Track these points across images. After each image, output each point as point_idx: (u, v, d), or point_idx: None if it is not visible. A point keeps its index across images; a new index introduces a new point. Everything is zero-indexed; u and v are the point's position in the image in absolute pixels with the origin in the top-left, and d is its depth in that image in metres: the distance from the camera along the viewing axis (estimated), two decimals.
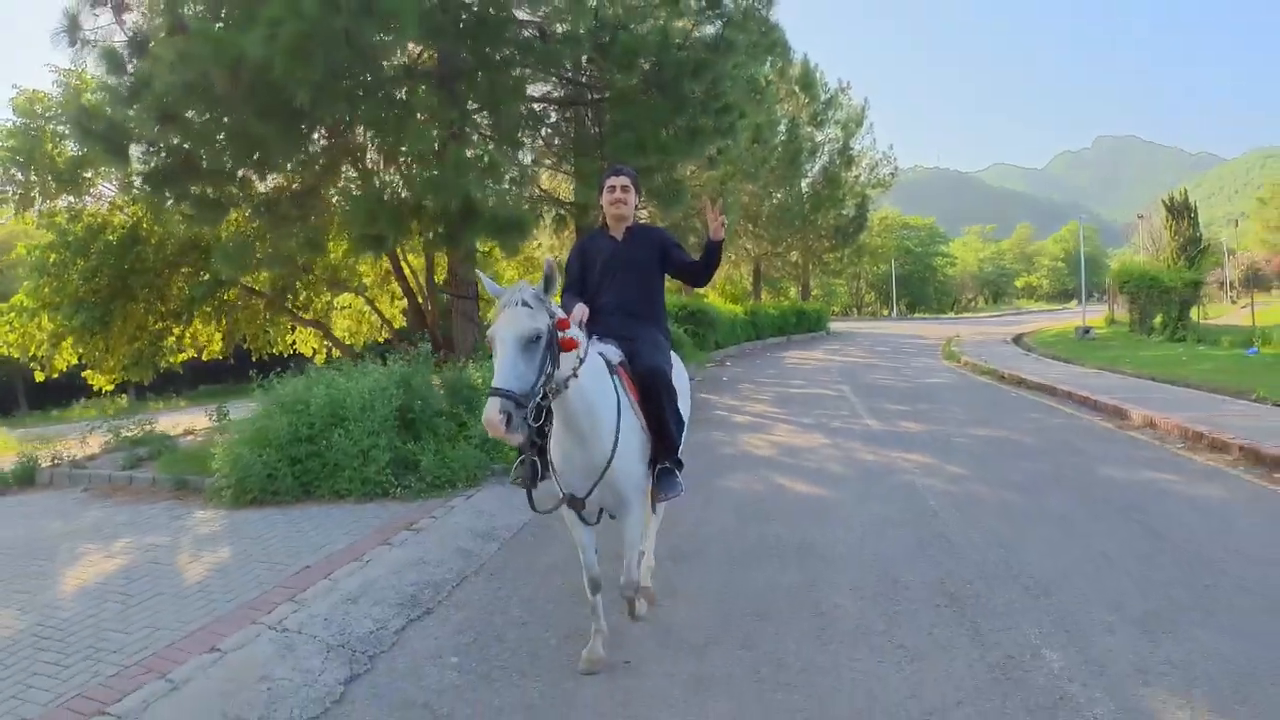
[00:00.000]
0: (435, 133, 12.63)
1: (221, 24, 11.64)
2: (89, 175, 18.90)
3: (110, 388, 20.36)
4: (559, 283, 4.33)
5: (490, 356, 4.57)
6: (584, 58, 14.36)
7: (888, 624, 5.52)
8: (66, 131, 18.83)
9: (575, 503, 4.85)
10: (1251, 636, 5.01)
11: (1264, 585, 5.86)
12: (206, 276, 18.02)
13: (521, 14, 12.81)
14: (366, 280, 22.36)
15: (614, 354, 5.03)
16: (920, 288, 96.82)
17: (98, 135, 12.59)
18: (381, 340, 24.05)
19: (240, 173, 13.90)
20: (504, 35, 12.02)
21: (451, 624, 5.94)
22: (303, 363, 22.67)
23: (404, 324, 20.62)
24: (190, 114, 12.46)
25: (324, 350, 24.46)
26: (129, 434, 13.29)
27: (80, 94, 17.58)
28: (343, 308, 24.51)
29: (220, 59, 10.45)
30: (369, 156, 15.04)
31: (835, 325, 53.08)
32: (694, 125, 13.81)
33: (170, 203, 14.16)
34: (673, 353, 5.75)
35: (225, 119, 12.37)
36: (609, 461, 4.66)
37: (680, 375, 5.73)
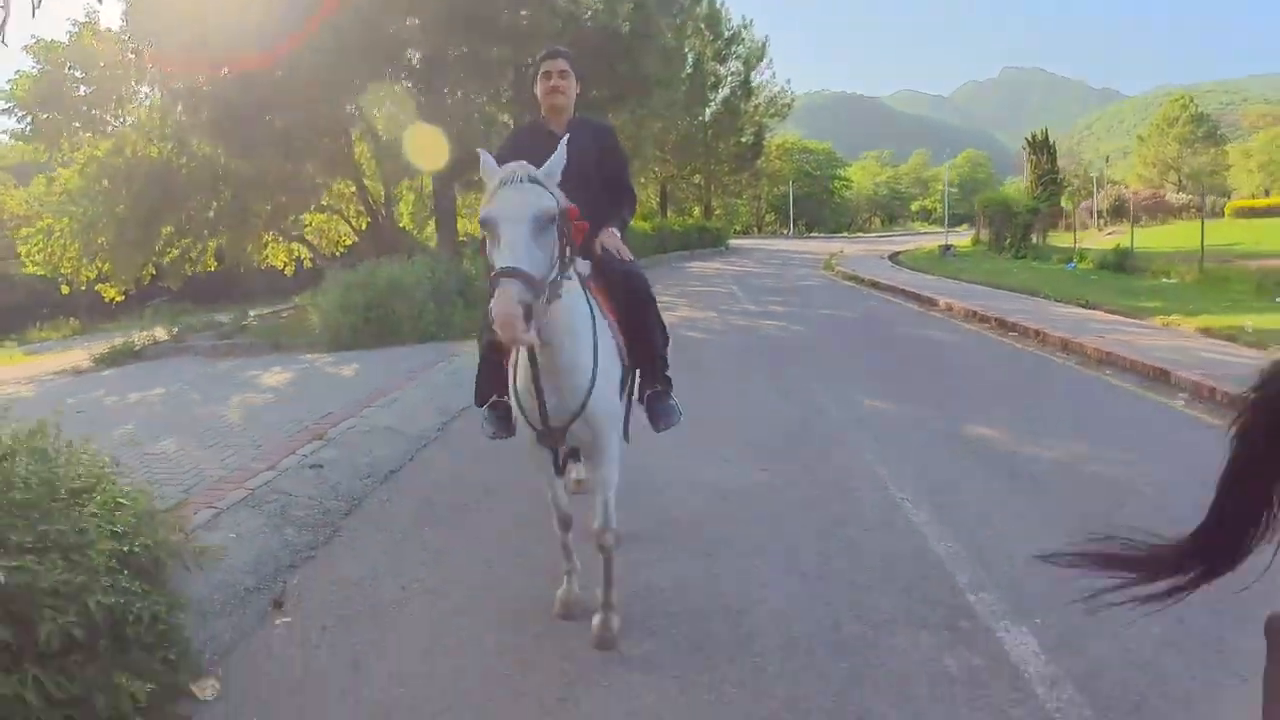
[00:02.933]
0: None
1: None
2: (103, 115, 22.99)
3: (121, 299, 24.51)
4: (562, 164, 3.56)
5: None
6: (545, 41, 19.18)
7: (739, 381, 10.55)
8: (80, 75, 22.98)
9: (551, 436, 3.93)
10: (905, 361, 10.08)
11: (929, 356, 11.00)
12: (225, 201, 22.38)
13: (505, 14, 17.40)
14: (338, 203, 26.76)
15: (583, 266, 4.14)
16: (817, 209, 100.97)
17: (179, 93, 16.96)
18: (343, 249, 28.44)
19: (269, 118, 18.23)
20: (493, 28, 16.62)
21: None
22: (276, 277, 27.53)
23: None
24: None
25: (292, 264, 28.88)
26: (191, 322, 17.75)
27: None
28: (315, 225, 28.74)
29: (297, 44, 14.83)
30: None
31: (735, 242, 58.05)
32: (620, 92, 18.75)
33: (223, 143, 18.49)
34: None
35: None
36: (588, 391, 3.82)
37: None
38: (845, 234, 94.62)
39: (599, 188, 4.61)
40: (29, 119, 23.33)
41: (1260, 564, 2.20)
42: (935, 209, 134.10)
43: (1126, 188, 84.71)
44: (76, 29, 23.31)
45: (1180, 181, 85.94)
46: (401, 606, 4.58)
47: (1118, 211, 65.69)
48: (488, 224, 3.27)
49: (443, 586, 4.80)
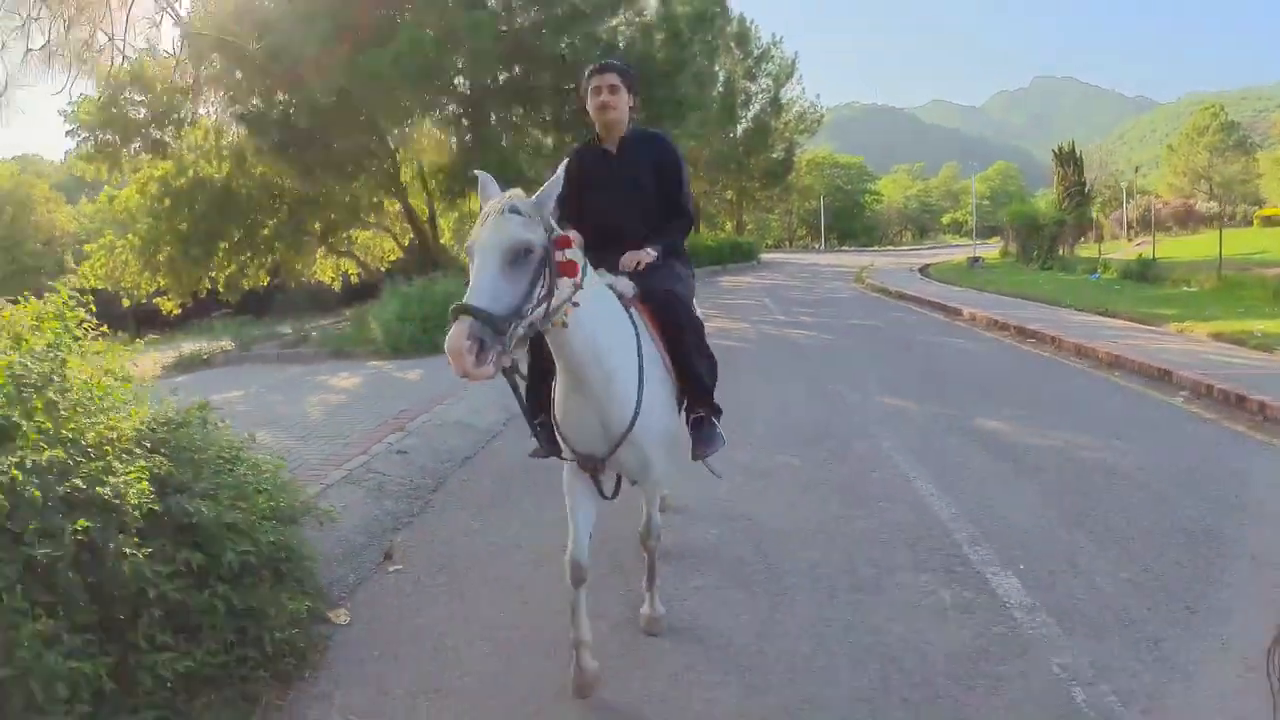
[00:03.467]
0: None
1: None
2: (164, 138, 24.22)
3: (177, 312, 25.73)
4: (558, 192, 3.37)
5: None
6: None
7: (770, 382, 11.39)
8: (141, 99, 24.23)
9: (590, 464, 3.92)
10: (905, 368, 10.93)
11: (950, 361, 11.85)
12: (283, 219, 23.65)
13: (549, 44, 18.48)
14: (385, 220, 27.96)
15: (626, 285, 4.08)
16: (849, 222, 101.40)
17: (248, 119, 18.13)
18: (388, 264, 29.60)
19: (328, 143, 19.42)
20: (538, 56, 17.72)
21: None
22: (320, 292, 28.84)
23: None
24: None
25: (339, 278, 30.10)
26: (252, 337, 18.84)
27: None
28: (362, 242, 29.93)
29: (358, 72, 15.90)
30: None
31: (767, 256, 58.49)
32: (656, 115, 19.80)
33: (285, 165, 19.68)
34: None
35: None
36: (633, 419, 3.73)
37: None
38: (876, 247, 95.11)
39: (656, 204, 4.59)
40: (92, 140, 24.61)
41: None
42: (966, 221, 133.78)
43: (1156, 198, 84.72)
44: (136, 55, 24.54)
45: (1211, 190, 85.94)
46: (494, 558, 5.53)
47: (1148, 222, 66.06)
48: (468, 254, 3.22)
49: (527, 543, 5.73)
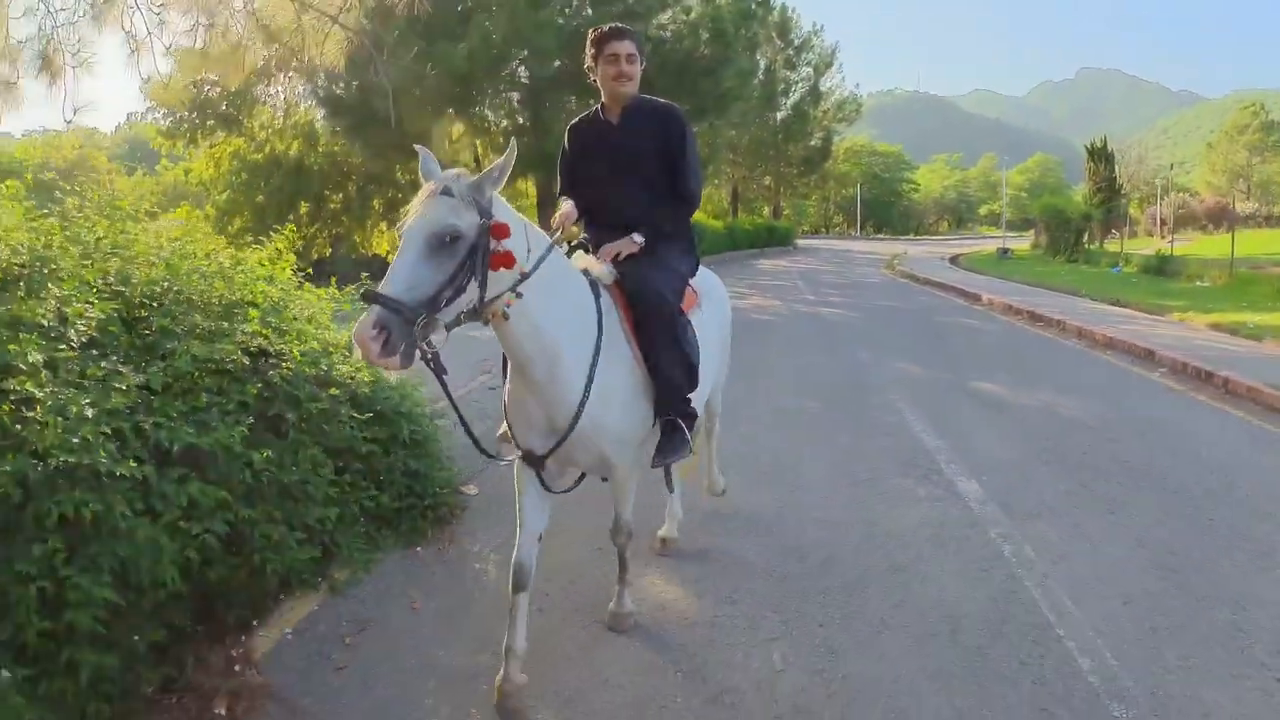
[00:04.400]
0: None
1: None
2: (239, 116, 25.93)
3: None
4: (507, 173, 3.21)
5: None
6: None
7: (799, 350, 12.85)
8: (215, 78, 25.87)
9: (532, 460, 3.73)
10: (919, 335, 12.40)
11: (960, 337, 13.32)
12: (351, 194, 25.39)
13: None
14: None
15: (605, 271, 3.94)
16: (885, 211, 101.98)
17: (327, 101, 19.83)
18: None
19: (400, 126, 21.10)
20: None
21: None
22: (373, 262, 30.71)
23: None
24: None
25: (394, 251, 32.00)
26: None
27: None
28: None
29: (435, 62, 17.54)
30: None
31: (803, 242, 60.17)
32: (701, 107, 21.35)
33: (358, 145, 21.33)
34: (711, 274, 5.02)
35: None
36: (576, 413, 3.56)
37: (717, 299, 4.97)
38: (912, 236, 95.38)
39: (656, 181, 4.30)
40: (171, 117, 26.36)
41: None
42: (1004, 212, 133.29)
43: (1192, 195, 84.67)
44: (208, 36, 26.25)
45: (1249, 190, 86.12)
46: None
47: (1182, 219, 66.55)
48: (398, 236, 3.10)
49: None
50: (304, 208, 25.48)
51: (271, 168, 24.62)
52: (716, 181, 52.11)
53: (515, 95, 21.46)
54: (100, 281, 4.29)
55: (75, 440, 3.21)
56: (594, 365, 3.59)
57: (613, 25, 4.38)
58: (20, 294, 3.76)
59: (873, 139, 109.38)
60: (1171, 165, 76.44)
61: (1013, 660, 3.89)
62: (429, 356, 3.00)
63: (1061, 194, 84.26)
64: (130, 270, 4.51)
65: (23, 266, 4.03)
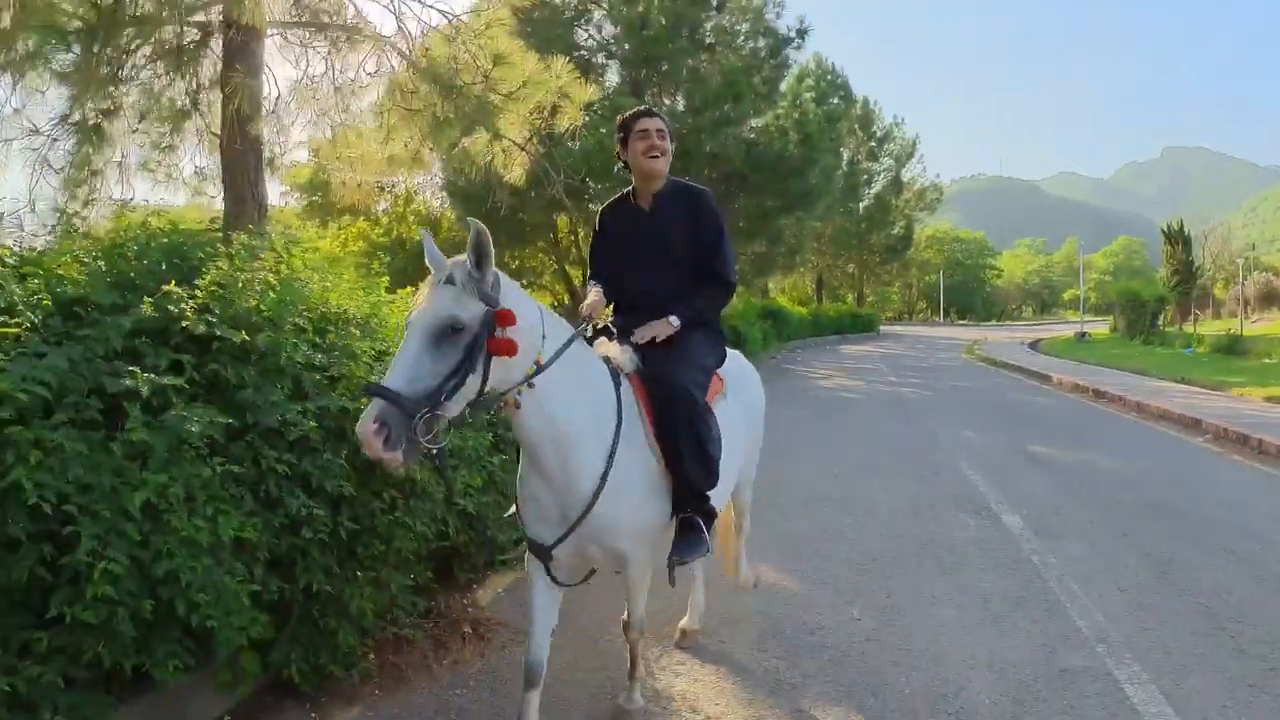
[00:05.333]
0: None
1: None
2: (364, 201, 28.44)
3: None
4: (491, 258, 3.07)
5: None
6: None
7: (878, 421, 14.41)
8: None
9: (539, 552, 3.65)
10: (982, 393, 13.92)
11: (1025, 411, 14.81)
12: None
13: (707, 146, 22.06)
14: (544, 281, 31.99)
15: (627, 360, 3.82)
16: (968, 297, 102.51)
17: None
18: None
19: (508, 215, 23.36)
20: (695, 153, 21.25)
21: None
22: None
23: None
24: None
25: None
26: None
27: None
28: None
29: (553, 162, 19.60)
30: None
31: (886, 328, 61.68)
32: (789, 204, 23.32)
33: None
34: (742, 359, 4.89)
35: None
36: (589, 504, 3.48)
37: (748, 386, 4.83)
38: (995, 322, 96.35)
39: (689, 270, 4.23)
40: (306, 201, 29.02)
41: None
42: (1089, 297, 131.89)
43: (1277, 274, 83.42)
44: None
45: None
46: None
47: (1268, 298, 66.06)
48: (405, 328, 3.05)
49: None
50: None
51: (396, 248, 27.06)
52: (802, 270, 53.87)
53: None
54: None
55: None
56: (611, 456, 3.51)
57: (641, 107, 4.42)
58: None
59: (955, 224, 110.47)
60: (1254, 245, 76.39)
61: (1027, 620, 5.39)
62: (432, 452, 3.01)
63: (1145, 276, 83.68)
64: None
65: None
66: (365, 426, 2.76)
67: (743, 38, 24.41)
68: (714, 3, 22.03)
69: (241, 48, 8.74)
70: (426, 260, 3.18)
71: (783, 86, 26.18)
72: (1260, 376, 20.09)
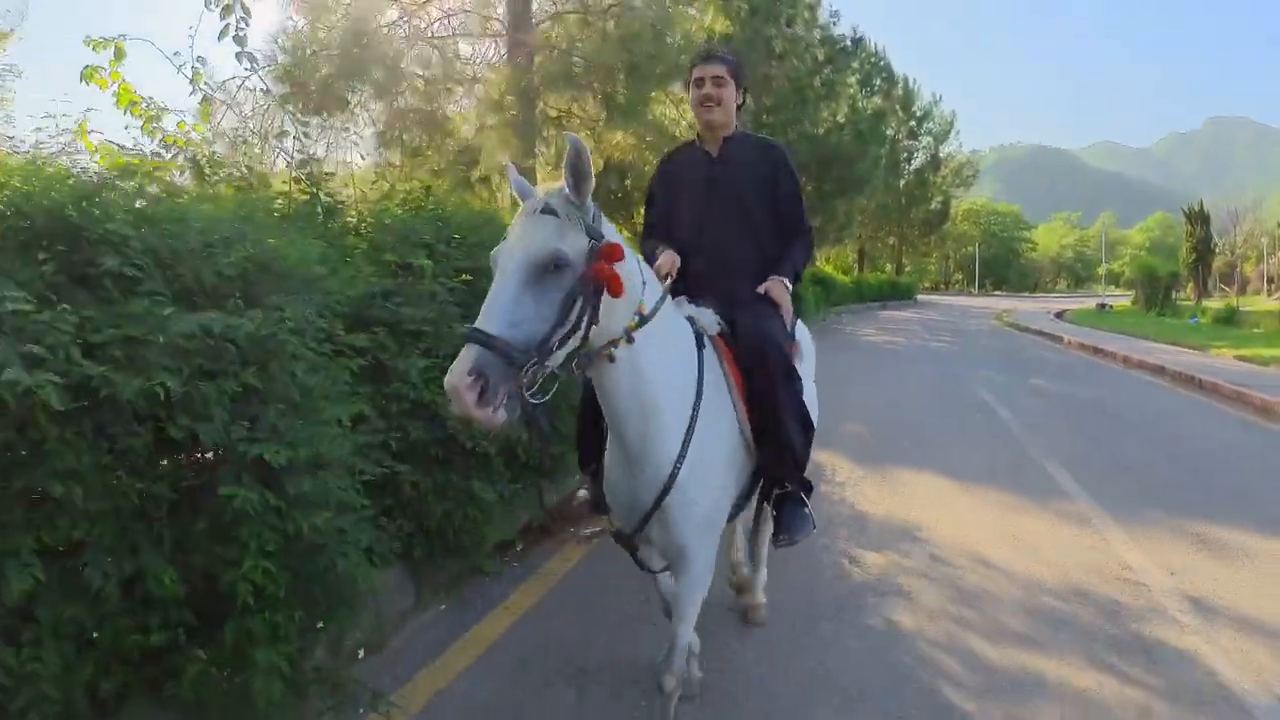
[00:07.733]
0: None
1: None
2: None
3: None
4: (591, 181, 2.62)
5: None
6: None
7: (914, 365, 18.50)
8: None
9: (623, 541, 3.31)
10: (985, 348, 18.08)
11: (1032, 360, 18.98)
12: None
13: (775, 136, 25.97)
14: None
15: (709, 320, 3.41)
16: (1002, 268, 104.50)
17: None
18: None
19: None
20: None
21: None
22: None
23: None
24: None
25: None
26: None
27: None
28: None
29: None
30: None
31: (923, 297, 65.08)
32: (843, 189, 27.39)
33: None
34: (801, 326, 4.17)
35: None
36: (667, 484, 3.03)
37: (810, 353, 4.30)
38: (1028, 293, 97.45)
39: (762, 221, 3.87)
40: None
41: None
42: (1124, 272, 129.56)
43: None
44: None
45: None
46: None
47: None
48: (491, 264, 2.58)
49: None
50: None
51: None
52: (846, 242, 57.24)
53: None
54: None
55: None
56: (690, 428, 3.06)
57: (703, 50, 4.01)
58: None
59: (993, 195, 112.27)
60: (1278, 223, 78.16)
61: (1003, 449, 9.56)
62: (533, 412, 2.50)
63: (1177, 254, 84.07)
64: None
65: None
66: (457, 379, 2.28)
67: (804, 45, 27.78)
68: (784, 21, 25.71)
69: None
70: (512, 191, 2.83)
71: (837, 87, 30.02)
72: (1241, 342, 23.00)
